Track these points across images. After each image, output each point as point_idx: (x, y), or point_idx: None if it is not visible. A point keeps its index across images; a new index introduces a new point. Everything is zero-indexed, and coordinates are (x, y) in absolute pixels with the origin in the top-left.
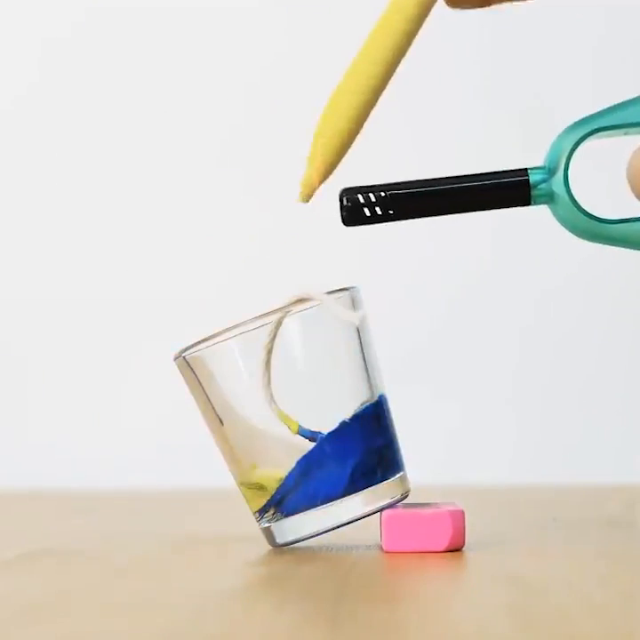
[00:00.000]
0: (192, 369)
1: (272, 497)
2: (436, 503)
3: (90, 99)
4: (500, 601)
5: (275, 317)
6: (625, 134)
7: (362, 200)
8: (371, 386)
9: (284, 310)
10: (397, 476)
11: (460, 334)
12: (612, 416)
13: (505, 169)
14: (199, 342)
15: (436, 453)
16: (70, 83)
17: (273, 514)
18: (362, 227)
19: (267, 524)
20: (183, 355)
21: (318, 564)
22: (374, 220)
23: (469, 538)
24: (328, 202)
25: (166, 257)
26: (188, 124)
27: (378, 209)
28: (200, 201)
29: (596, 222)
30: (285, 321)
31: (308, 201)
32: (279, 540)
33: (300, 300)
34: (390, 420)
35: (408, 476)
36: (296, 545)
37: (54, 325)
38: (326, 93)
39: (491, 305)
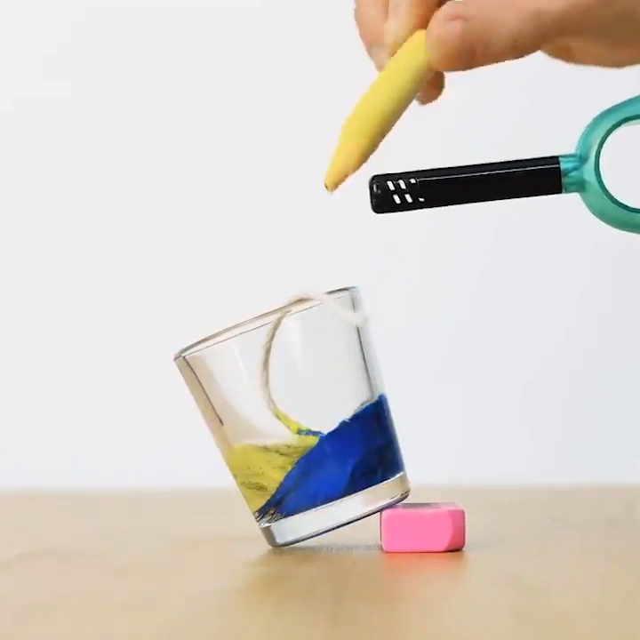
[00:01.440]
0: (192, 369)
1: (272, 497)
2: (436, 503)
3: (89, 100)
4: (500, 601)
5: (273, 318)
6: None
7: (392, 187)
8: (371, 386)
9: (284, 310)
10: (397, 476)
11: (460, 334)
12: (612, 417)
13: (536, 157)
14: (199, 342)
15: (436, 453)
16: (70, 82)
17: (273, 514)
18: (364, 224)
19: (266, 524)
20: (183, 355)
21: (318, 564)
22: (404, 207)
23: (469, 538)
24: (328, 202)
25: (168, 257)
26: (189, 124)
27: (408, 196)
28: (199, 200)
29: (627, 211)
30: (285, 321)
31: (334, 190)
32: (279, 540)
33: (300, 300)
34: (390, 420)
35: (408, 476)
36: (296, 545)
37: (53, 325)
38: (324, 93)
39: (493, 305)
